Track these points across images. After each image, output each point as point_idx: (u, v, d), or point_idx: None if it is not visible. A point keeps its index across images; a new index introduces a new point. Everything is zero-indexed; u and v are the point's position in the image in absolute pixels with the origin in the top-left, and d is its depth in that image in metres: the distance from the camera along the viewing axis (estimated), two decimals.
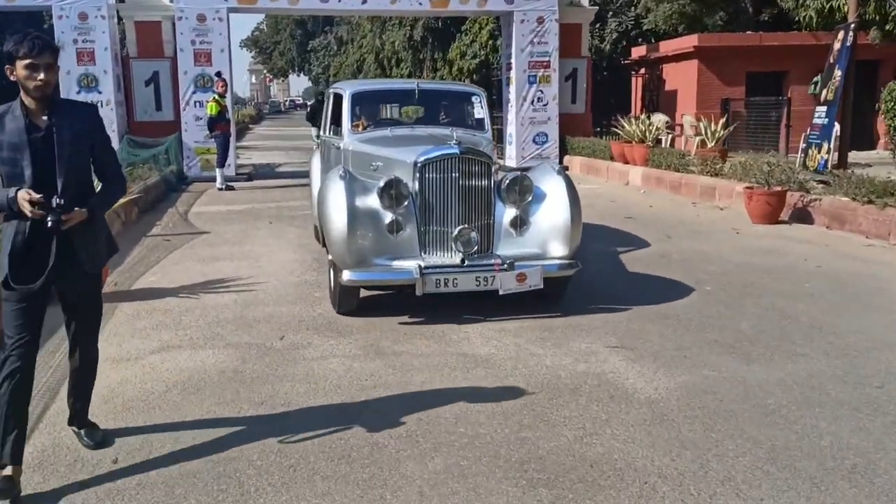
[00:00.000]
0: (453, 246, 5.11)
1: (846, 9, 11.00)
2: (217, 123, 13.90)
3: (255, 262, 7.66)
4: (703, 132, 12.81)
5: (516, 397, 4.08)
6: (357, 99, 6.49)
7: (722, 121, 12.73)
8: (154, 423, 3.86)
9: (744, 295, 6.10)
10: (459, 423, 3.76)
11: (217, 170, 14.22)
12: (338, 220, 4.97)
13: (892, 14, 10.54)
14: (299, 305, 6.02)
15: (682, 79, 18.75)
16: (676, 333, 5.12)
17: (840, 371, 4.38)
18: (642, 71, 20.65)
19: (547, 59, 16.59)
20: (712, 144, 12.62)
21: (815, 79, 18.31)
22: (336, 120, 6.81)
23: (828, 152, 10.36)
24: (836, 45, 10.62)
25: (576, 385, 4.23)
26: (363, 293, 5.55)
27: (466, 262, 5.08)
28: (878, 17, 10.63)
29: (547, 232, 5.30)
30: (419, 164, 5.13)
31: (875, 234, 8.48)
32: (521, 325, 5.19)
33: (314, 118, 19.44)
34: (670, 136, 16.77)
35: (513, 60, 16.63)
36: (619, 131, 14.63)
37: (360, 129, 6.37)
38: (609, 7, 23.79)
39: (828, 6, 11.23)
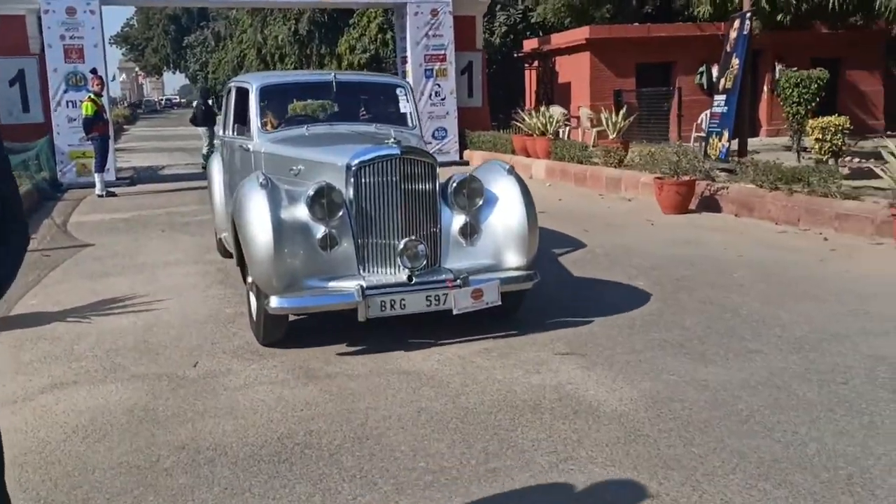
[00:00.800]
0: (398, 261, 4.45)
1: None
2: (94, 125, 12.84)
3: (152, 277, 6.95)
4: (604, 123, 12.80)
5: (475, 420, 3.69)
6: (265, 93, 5.78)
7: (622, 112, 12.74)
8: (55, 482, 3.24)
9: (678, 289, 5.93)
10: (418, 457, 3.34)
11: (96, 175, 13.16)
12: (261, 236, 4.23)
13: (781, 4, 10.75)
14: (210, 325, 5.42)
15: (575, 71, 18.86)
16: (623, 335, 4.86)
17: (800, 368, 4.22)
18: (535, 64, 20.66)
19: (443, 52, 16.29)
20: (613, 136, 12.63)
21: (700, 69, 18.92)
22: (240, 118, 6.12)
23: (728, 140, 10.48)
24: (733, 34, 10.77)
25: (535, 401, 3.88)
26: (291, 317, 4.86)
27: (414, 280, 4.41)
28: (767, 7, 10.83)
29: (502, 240, 4.72)
30: (353, 168, 4.44)
31: (784, 220, 8.59)
32: (476, 346, 4.61)
33: (200, 119, 18.38)
34: (567, 128, 16.82)
35: (408, 54, 16.25)
36: (520, 124, 14.49)
37: (270, 127, 5.69)
38: (497, 0, 23.74)
39: None
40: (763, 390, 3.93)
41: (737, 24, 10.72)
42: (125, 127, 42.48)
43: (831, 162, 9.34)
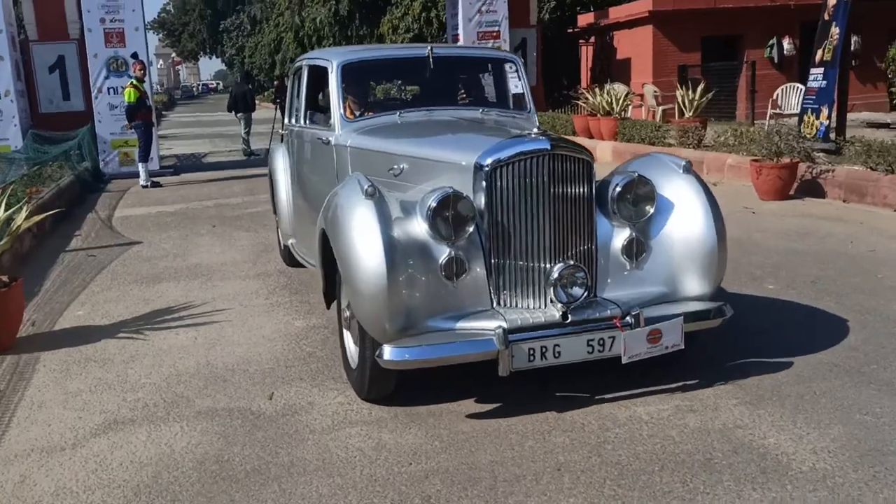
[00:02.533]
0: (546, 291, 3.36)
1: None
2: (137, 112, 12.20)
3: (208, 281, 6.25)
4: (680, 101, 11.83)
5: (633, 481, 2.90)
6: (349, 73, 4.73)
7: (700, 87, 11.76)
8: None
9: (820, 294, 5.06)
10: None
11: (140, 165, 12.55)
12: (370, 263, 3.19)
13: None
14: (280, 342, 4.69)
15: (635, 46, 17.81)
16: (778, 355, 4.02)
17: None
18: (591, 39, 19.63)
19: (497, 28, 15.41)
20: (690, 114, 11.67)
21: (770, 41, 17.76)
22: (313, 103, 5.30)
23: (828, 118, 9.49)
24: (832, 1, 9.73)
25: (703, 453, 3.08)
26: None
27: (570, 318, 3.33)
28: None
29: (679, 261, 3.58)
30: (486, 168, 3.34)
31: None
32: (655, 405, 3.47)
33: (236, 106, 17.66)
34: (630, 107, 15.84)
35: (460, 32, 15.40)
36: (583, 104, 13.58)
37: (350, 114, 4.74)
38: None
39: None
40: None
41: None
42: (164, 113, 42.19)
43: None
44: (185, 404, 3.85)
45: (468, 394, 3.67)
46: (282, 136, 6.15)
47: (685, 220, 3.63)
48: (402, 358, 3.19)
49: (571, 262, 3.32)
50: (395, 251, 3.22)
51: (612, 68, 18.77)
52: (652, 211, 3.59)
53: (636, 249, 3.55)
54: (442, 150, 3.84)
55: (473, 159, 3.42)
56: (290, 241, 5.83)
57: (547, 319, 3.31)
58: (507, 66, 5.10)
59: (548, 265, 3.36)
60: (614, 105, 12.98)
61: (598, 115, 13.26)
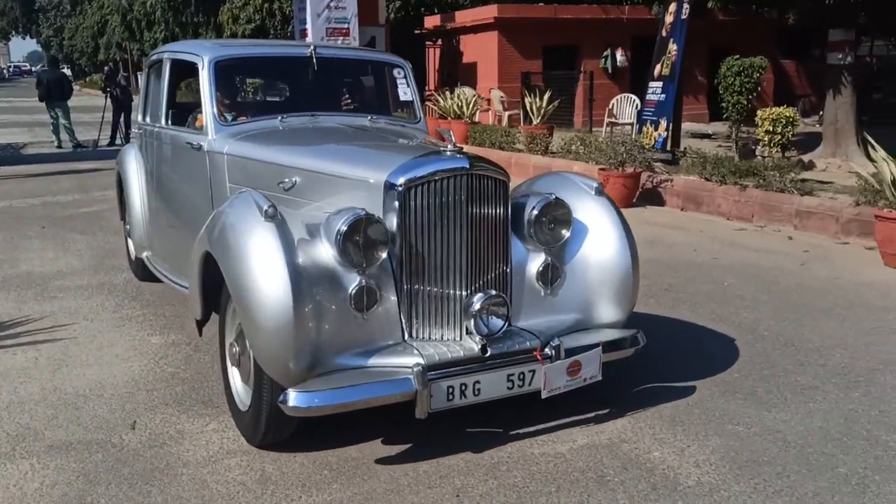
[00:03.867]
0: (462, 322, 3.14)
1: None
2: None
3: (44, 292, 5.67)
4: (528, 107, 12.14)
5: (531, 500, 2.88)
6: (222, 70, 4.29)
7: (547, 95, 12.12)
8: None
9: (676, 303, 5.32)
10: None
11: None
12: (273, 295, 2.83)
13: None
14: (136, 362, 4.32)
15: (481, 51, 18.12)
16: (641, 363, 4.13)
17: (872, 409, 3.65)
18: (438, 42, 19.78)
19: (346, 25, 15.14)
20: (538, 121, 12.00)
21: (605, 52, 18.64)
22: (174, 102, 4.87)
23: (666, 129, 10.06)
24: (669, 19, 10.32)
25: (595, 469, 3.11)
26: None
27: (489, 351, 3.11)
28: None
29: (594, 287, 3.47)
30: (400, 187, 3.06)
31: (737, 215, 8.22)
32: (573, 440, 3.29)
33: (50, 94, 15.86)
34: (477, 111, 16.11)
35: (308, 27, 14.99)
36: (433, 106, 13.65)
37: (222, 117, 4.26)
38: None
39: None
40: (851, 444, 3.32)
41: (673, 7, 10.27)
42: None
43: (777, 154, 9.06)
44: (34, 437, 3.44)
45: (369, 430, 3.52)
46: (126, 135, 5.64)
47: (599, 244, 3.53)
48: (310, 404, 2.84)
49: (493, 293, 3.13)
50: (301, 281, 2.89)
51: (458, 72, 19.02)
52: (568, 235, 3.48)
53: (551, 275, 3.42)
54: (344, 164, 3.52)
55: (384, 177, 3.14)
56: (145, 254, 5.35)
57: (466, 354, 3.07)
58: (395, 72, 4.89)
59: (463, 293, 3.17)
60: (465, 109, 13.14)
61: (449, 118, 13.37)
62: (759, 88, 9.83)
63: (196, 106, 4.97)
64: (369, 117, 4.56)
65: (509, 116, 15.25)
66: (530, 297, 3.36)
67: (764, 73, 9.68)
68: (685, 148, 10.46)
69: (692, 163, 9.07)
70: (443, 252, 3.14)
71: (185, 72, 4.74)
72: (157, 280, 5.31)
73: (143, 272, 5.58)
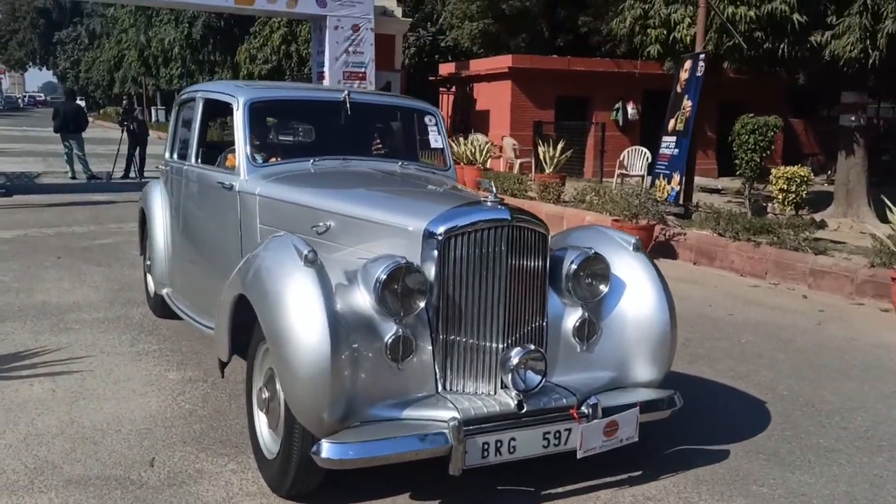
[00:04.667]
0: (497, 375, 3.10)
1: (687, 39, 10.91)
2: None
3: (60, 323, 5.67)
4: (541, 157, 12.25)
5: None
6: (257, 112, 4.34)
7: (560, 145, 12.23)
8: None
9: (694, 359, 5.29)
10: None
11: None
12: (311, 342, 2.79)
13: (729, 45, 10.57)
14: (153, 398, 4.30)
15: (495, 99, 18.36)
16: (658, 424, 4.10)
17: (863, 473, 3.62)
18: (452, 89, 20.04)
19: (363, 69, 15.39)
20: (550, 169, 12.10)
21: (616, 105, 18.87)
22: (204, 141, 4.89)
23: (679, 183, 10.13)
24: (684, 75, 10.47)
25: None
26: None
27: (525, 407, 3.05)
28: (713, 51, 10.62)
29: (630, 345, 3.43)
30: (440, 236, 3.04)
31: (750, 272, 8.23)
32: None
33: (66, 126, 16.00)
34: (490, 157, 16.26)
35: (326, 70, 15.24)
36: None
37: (255, 158, 4.27)
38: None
39: (669, 38, 11.06)
40: None
41: (688, 64, 10.42)
42: None
43: (791, 212, 9.12)
44: (52, 471, 3.41)
45: (395, 483, 3.49)
46: (140, 169, 5.64)
47: (637, 301, 3.50)
48: (344, 456, 2.77)
49: (531, 347, 3.10)
50: (339, 328, 2.84)
51: (471, 118, 19.24)
52: (606, 290, 3.45)
53: (588, 331, 3.39)
54: (382, 210, 3.51)
55: (423, 225, 3.12)
56: (165, 291, 5.35)
57: (502, 409, 3.00)
58: (426, 119, 4.95)
59: (499, 345, 3.14)
60: (477, 155, 13.25)
61: (462, 163, 13.48)
62: (772, 146, 9.91)
63: (225, 145, 5.03)
64: (400, 163, 4.58)
65: (520, 164, 15.39)
66: (566, 353, 3.32)
67: (778, 131, 9.77)
68: (697, 202, 10.52)
69: (705, 217, 9.11)
70: (481, 303, 3.12)
71: (216, 111, 4.78)
72: (175, 317, 5.31)
73: (161, 309, 5.57)
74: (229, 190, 4.31)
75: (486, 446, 2.94)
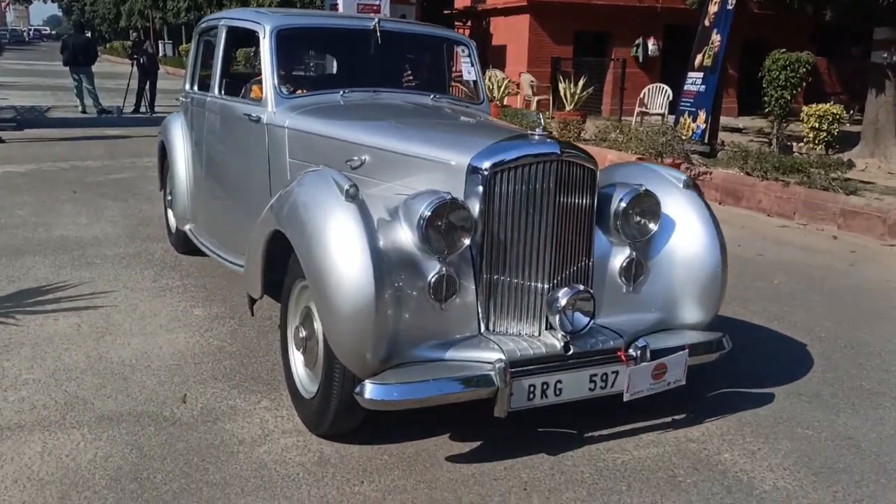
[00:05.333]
0: (542, 316, 2.99)
1: None
2: None
3: (81, 258, 5.59)
4: (562, 93, 11.97)
5: (601, 498, 2.78)
6: (284, 41, 4.08)
7: (582, 82, 11.94)
8: None
9: (727, 299, 5.12)
10: None
11: None
12: (354, 282, 2.67)
13: None
14: (181, 333, 4.23)
15: (512, 34, 17.91)
16: (700, 366, 4.01)
17: None
18: (468, 23, 19.55)
19: (377, 2, 14.99)
20: (571, 107, 11.83)
21: (636, 41, 18.39)
22: (228, 71, 4.69)
23: (705, 121, 9.88)
24: (713, 8, 10.12)
25: (664, 468, 3.00)
26: None
27: (572, 349, 2.94)
28: None
29: (679, 285, 3.29)
30: (485, 172, 2.90)
31: (777, 212, 8.06)
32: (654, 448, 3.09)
33: (76, 59, 15.70)
34: (507, 94, 15.94)
35: (339, 2, 14.84)
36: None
37: (285, 90, 4.07)
38: None
39: None
40: None
41: None
42: None
43: (820, 152, 8.90)
44: (84, 407, 3.36)
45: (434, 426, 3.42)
46: (151, 103, 5.42)
47: (687, 241, 3.35)
48: (388, 397, 2.68)
49: (580, 287, 2.97)
50: (382, 266, 2.72)
51: (488, 54, 18.81)
52: (655, 229, 3.30)
53: (635, 271, 3.26)
54: (422, 144, 3.31)
55: (467, 160, 2.97)
56: (188, 227, 5.24)
57: (548, 351, 2.90)
58: (460, 49, 4.74)
59: (545, 285, 3.03)
60: (496, 92, 12.96)
61: None
62: (804, 84, 9.62)
63: (248, 76, 4.85)
64: (432, 95, 4.40)
65: (538, 101, 15.07)
66: (612, 294, 3.19)
67: (810, 68, 9.47)
68: (721, 141, 10.29)
69: (732, 156, 8.90)
70: (526, 242, 2.99)
71: (241, 40, 4.59)
72: (198, 253, 5.22)
73: (184, 244, 5.47)
74: (256, 122, 4.14)
75: (532, 388, 2.85)
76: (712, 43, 9.96)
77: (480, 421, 2.91)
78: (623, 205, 3.24)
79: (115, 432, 3.15)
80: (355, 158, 3.52)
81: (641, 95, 14.98)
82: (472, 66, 4.72)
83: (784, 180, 8.13)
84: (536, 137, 3.05)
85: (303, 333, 3.16)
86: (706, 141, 9.85)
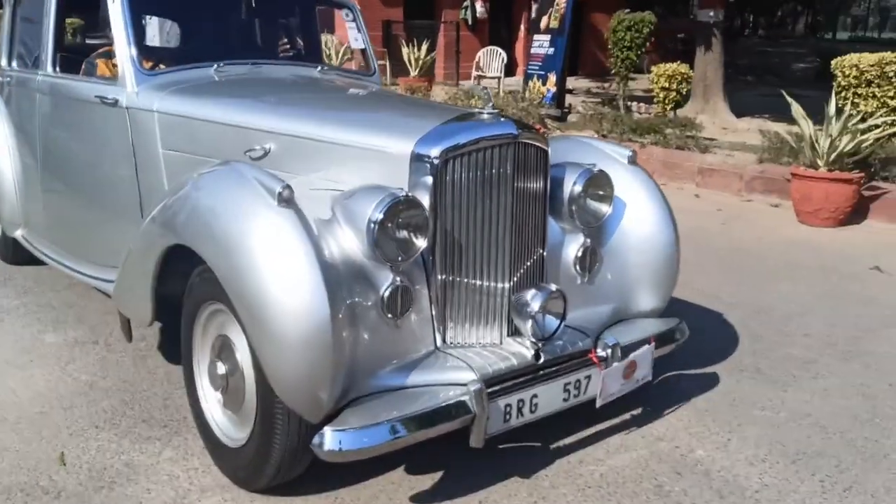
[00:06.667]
0: (509, 320, 2.64)
1: None
2: None
3: None
4: (406, 59, 11.52)
5: None
6: (142, 5, 3.45)
7: (425, 46, 11.55)
8: None
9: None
10: None
11: None
12: (303, 308, 2.15)
13: None
14: (37, 367, 3.47)
15: None
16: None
17: (881, 383, 3.52)
18: None
19: None
20: (416, 73, 11.43)
21: (465, 3, 18.23)
22: (62, 43, 3.82)
23: (555, 84, 9.83)
24: None
25: (647, 477, 2.74)
26: None
27: (542, 357, 2.59)
28: None
29: (633, 270, 3.04)
30: (433, 159, 2.46)
31: None
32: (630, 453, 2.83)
33: None
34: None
35: None
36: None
37: (149, 64, 3.39)
38: None
39: None
40: (886, 425, 3.15)
41: None
42: None
43: (658, 112, 9.08)
44: None
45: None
46: None
47: (638, 222, 3.08)
48: (356, 446, 2.17)
49: (552, 288, 2.59)
50: (333, 285, 2.22)
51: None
52: (609, 213, 2.99)
53: (590, 260, 2.95)
54: (348, 129, 2.78)
55: (410, 146, 2.50)
56: (18, 233, 4.36)
57: (519, 362, 2.53)
58: (344, 14, 4.18)
59: (505, 285, 2.63)
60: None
61: None
62: (647, 44, 9.78)
63: (87, 50, 4.05)
64: (319, 67, 3.85)
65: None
66: (567, 287, 2.80)
67: (653, 28, 9.62)
68: (569, 104, 10.30)
69: (589, 119, 8.89)
70: (484, 237, 2.59)
71: (75, 4, 3.78)
72: (34, 262, 4.39)
73: (14, 255, 4.58)
74: (113, 106, 3.39)
75: (508, 409, 2.48)
76: (558, 4, 9.89)
77: (431, 445, 2.50)
78: (578, 188, 2.91)
79: None
80: (257, 148, 2.92)
81: (477, 59, 14.86)
82: (359, 31, 4.21)
83: (640, 141, 8.20)
84: (486, 116, 2.64)
85: (221, 370, 2.58)
86: (557, 105, 9.80)
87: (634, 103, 10.76)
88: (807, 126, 6.26)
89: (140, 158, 3.36)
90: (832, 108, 6.32)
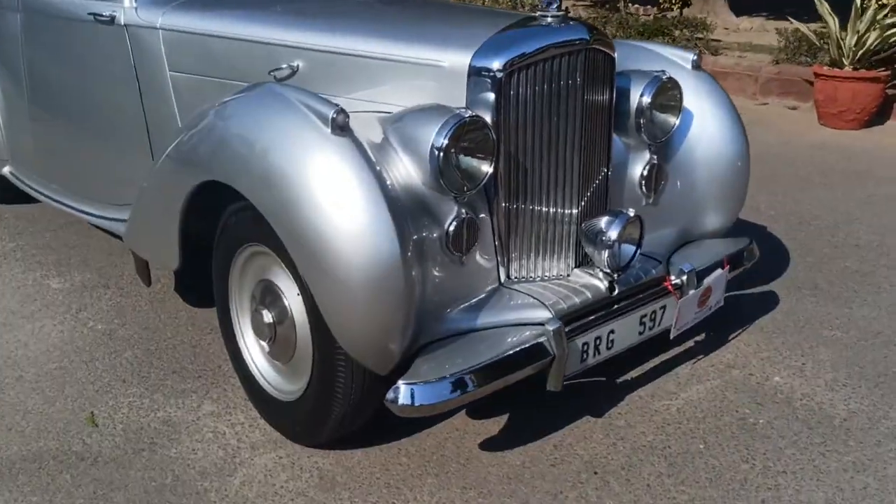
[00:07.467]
0: (573, 250, 2.40)
1: None
2: None
3: None
4: None
5: (681, 464, 2.28)
6: None
7: None
8: None
9: None
10: None
11: None
12: (368, 246, 1.89)
13: None
14: (47, 316, 3.19)
15: None
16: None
17: None
18: None
19: None
20: None
21: None
22: None
23: None
24: None
25: (728, 411, 2.55)
26: None
27: (616, 289, 2.36)
28: None
29: (700, 188, 2.76)
30: (495, 72, 2.15)
31: None
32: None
33: None
34: None
35: None
36: None
37: None
38: None
39: None
40: None
41: None
42: None
43: (673, 12, 8.66)
44: None
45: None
46: None
47: (706, 134, 2.79)
48: (437, 399, 1.95)
49: (630, 213, 2.32)
50: (399, 220, 1.95)
51: None
52: (677, 125, 2.68)
53: (656, 179, 2.68)
54: (390, 41, 2.43)
55: (467, 59, 2.20)
56: (6, 169, 3.99)
57: (594, 296, 2.31)
58: None
59: (573, 210, 2.38)
60: None
61: None
62: None
63: None
64: None
65: None
66: (633, 208, 2.51)
67: None
68: (566, 8, 9.79)
69: (592, 22, 8.44)
70: (551, 158, 2.32)
71: None
72: (24, 199, 4.08)
73: (1, 193, 4.24)
74: (110, 24, 3.00)
75: (585, 347, 2.26)
76: None
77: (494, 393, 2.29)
78: (646, 99, 2.61)
79: (15, 493, 2.22)
80: (283, 66, 2.57)
81: None
82: None
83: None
84: (551, 19, 2.32)
85: (268, 318, 2.32)
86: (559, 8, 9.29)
87: (633, 5, 10.27)
88: (833, 22, 5.92)
89: (144, 83, 2.99)
90: (858, 1, 5.97)
